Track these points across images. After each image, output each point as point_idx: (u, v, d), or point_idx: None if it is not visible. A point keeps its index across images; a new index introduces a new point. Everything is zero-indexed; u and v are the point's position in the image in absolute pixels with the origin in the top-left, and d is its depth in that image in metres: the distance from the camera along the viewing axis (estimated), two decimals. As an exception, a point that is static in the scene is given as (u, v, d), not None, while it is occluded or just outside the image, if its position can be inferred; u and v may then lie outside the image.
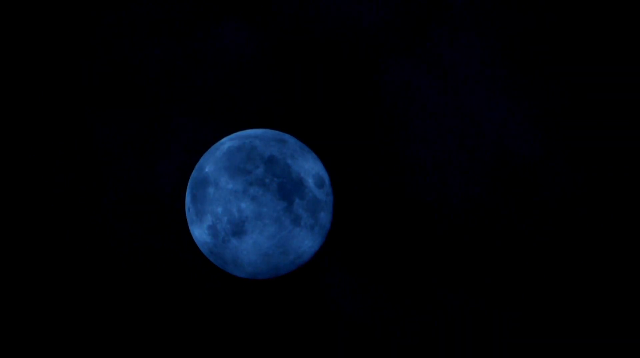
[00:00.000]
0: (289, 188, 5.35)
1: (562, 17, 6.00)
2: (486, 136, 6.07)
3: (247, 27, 6.27)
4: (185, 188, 5.75)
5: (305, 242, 5.51)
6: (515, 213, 6.02)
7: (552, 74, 6.07)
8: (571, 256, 6.03)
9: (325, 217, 5.60)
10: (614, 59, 6.05)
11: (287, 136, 5.69)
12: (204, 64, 6.26)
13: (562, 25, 6.01)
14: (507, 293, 5.99)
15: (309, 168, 5.54)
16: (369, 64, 6.01)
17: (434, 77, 6.08)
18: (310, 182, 5.48)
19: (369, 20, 5.94)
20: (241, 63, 6.26)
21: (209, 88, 6.24)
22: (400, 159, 6.02)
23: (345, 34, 6.01)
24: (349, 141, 6.18)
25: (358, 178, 6.18)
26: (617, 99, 6.07)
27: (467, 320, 6.01)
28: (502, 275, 6.05)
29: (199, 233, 5.55)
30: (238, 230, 5.32)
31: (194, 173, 5.66)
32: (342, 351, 6.12)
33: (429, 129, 6.06)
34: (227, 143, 5.61)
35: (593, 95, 6.07)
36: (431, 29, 6.08)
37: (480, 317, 5.99)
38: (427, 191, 5.97)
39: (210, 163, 5.51)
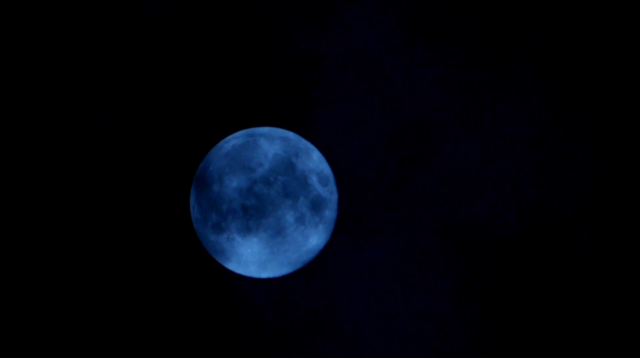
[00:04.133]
0: (293, 186, 5.34)
1: None
2: (403, 107, 6.12)
3: (248, 24, 6.28)
4: (190, 186, 5.75)
5: (310, 240, 5.50)
6: (429, 180, 6.10)
7: (466, 45, 6.10)
8: (482, 224, 6.13)
9: (329, 215, 5.59)
10: (528, 28, 6.11)
11: (291, 134, 5.69)
12: (206, 62, 6.26)
13: None
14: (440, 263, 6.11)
15: (314, 166, 5.53)
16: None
17: (348, 51, 6.14)
18: (314, 180, 5.47)
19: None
20: (244, 60, 6.26)
21: (213, 86, 6.24)
22: (318, 137, 6.07)
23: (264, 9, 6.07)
24: (353, 138, 6.19)
25: (361, 176, 6.18)
26: (527, 71, 6.14)
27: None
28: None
29: (204, 231, 5.55)
30: (242, 228, 5.31)
31: (198, 171, 5.66)
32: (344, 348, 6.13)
33: (345, 104, 6.13)
34: (231, 140, 5.60)
35: (505, 66, 6.11)
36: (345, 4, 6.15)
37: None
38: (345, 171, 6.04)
39: (215, 160, 5.51)
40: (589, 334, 6.05)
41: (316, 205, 5.45)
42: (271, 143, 5.48)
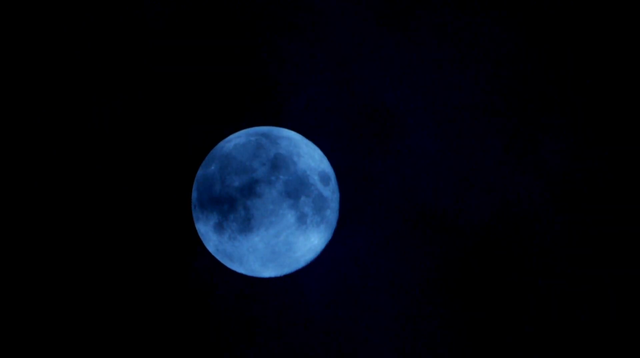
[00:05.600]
0: (294, 186, 5.35)
1: None
2: (369, 98, 6.16)
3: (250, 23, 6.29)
4: (192, 185, 5.75)
5: (311, 239, 5.50)
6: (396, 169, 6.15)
7: (434, 32, 6.14)
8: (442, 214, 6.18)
9: (331, 214, 5.60)
10: (490, 17, 6.15)
11: (293, 134, 5.69)
12: (206, 62, 6.26)
13: None
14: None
15: (315, 165, 5.54)
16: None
17: (319, 49, 6.18)
18: (316, 179, 5.47)
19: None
20: (244, 60, 6.27)
21: (213, 86, 6.24)
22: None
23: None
24: (355, 138, 6.20)
25: (364, 175, 6.18)
26: (495, 58, 6.18)
27: None
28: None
29: (205, 230, 5.55)
30: (244, 227, 5.31)
31: (200, 170, 5.65)
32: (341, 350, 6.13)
33: (344, 101, 6.16)
34: (233, 140, 5.60)
35: (476, 54, 6.15)
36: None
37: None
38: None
39: (217, 160, 5.51)
40: (560, 324, 6.07)
41: (317, 205, 5.45)
42: (272, 143, 5.49)
